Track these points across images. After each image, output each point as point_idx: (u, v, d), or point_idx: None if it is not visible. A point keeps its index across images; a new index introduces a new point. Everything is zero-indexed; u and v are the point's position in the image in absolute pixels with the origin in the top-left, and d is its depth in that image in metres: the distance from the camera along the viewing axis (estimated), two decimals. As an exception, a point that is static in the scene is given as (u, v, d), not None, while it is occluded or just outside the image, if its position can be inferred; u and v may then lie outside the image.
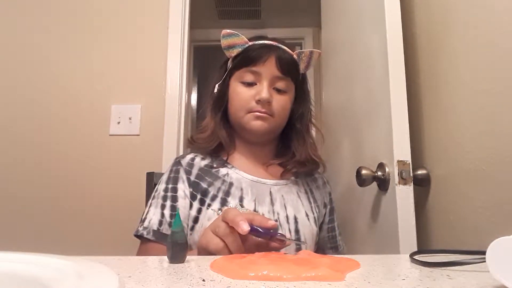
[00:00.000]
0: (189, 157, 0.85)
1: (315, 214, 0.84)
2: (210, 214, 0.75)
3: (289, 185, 0.85)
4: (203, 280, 0.39)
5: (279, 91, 0.82)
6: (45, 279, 0.35)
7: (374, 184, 1.02)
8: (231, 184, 0.79)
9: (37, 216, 1.44)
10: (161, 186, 0.81)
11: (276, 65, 0.81)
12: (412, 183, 0.93)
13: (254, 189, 0.79)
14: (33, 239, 1.41)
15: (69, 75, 1.54)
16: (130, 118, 1.50)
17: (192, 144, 0.87)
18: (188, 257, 0.52)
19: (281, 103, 0.82)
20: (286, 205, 0.80)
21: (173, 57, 1.54)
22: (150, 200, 0.82)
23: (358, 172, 1.02)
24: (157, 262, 0.50)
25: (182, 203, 0.78)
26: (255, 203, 0.77)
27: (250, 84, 0.82)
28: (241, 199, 0.77)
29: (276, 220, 0.77)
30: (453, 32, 0.92)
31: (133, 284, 0.37)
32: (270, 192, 0.81)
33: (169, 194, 0.79)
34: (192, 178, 0.80)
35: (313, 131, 0.93)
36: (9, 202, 1.45)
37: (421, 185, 1.00)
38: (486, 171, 0.80)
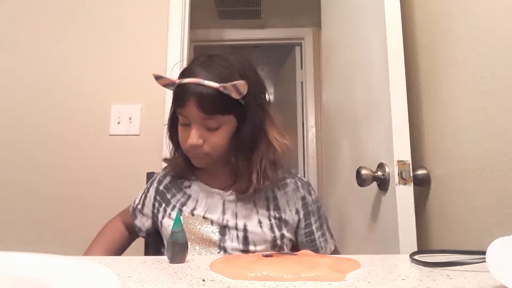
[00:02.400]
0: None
1: (273, 221, 0.82)
2: (170, 222, 0.84)
3: (246, 194, 0.83)
4: (203, 280, 0.39)
5: (211, 129, 0.78)
6: (45, 279, 0.35)
7: (374, 184, 1.02)
8: (189, 196, 0.86)
9: (37, 216, 1.44)
10: (147, 184, 0.95)
11: (198, 107, 0.74)
12: (412, 183, 0.93)
13: (208, 200, 0.85)
14: (33, 239, 1.41)
15: (69, 75, 1.54)
16: (130, 118, 1.50)
17: (167, 163, 0.92)
18: (188, 257, 0.52)
19: (215, 142, 0.79)
20: (237, 214, 0.82)
21: (173, 57, 1.53)
22: None
23: (358, 172, 1.02)
24: (157, 262, 0.50)
25: (146, 203, 0.92)
26: (205, 212, 0.83)
27: (185, 125, 0.80)
28: (193, 209, 0.84)
29: (225, 226, 0.81)
30: (453, 32, 0.92)
31: (133, 284, 0.37)
32: (224, 202, 0.84)
33: (145, 191, 0.94)
34: (161, 187, 0.90)
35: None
36: (9, 202, 1.45)
37: (421, 185, 1.00)
38: (486, 171, 0.80)
